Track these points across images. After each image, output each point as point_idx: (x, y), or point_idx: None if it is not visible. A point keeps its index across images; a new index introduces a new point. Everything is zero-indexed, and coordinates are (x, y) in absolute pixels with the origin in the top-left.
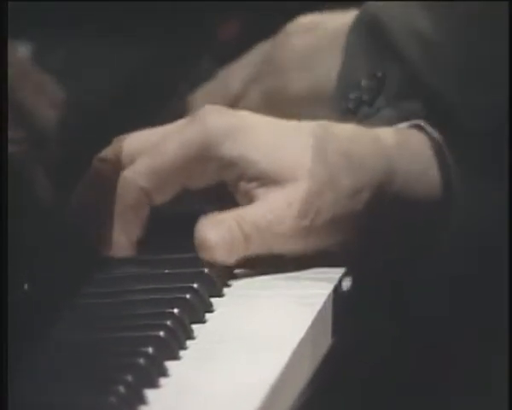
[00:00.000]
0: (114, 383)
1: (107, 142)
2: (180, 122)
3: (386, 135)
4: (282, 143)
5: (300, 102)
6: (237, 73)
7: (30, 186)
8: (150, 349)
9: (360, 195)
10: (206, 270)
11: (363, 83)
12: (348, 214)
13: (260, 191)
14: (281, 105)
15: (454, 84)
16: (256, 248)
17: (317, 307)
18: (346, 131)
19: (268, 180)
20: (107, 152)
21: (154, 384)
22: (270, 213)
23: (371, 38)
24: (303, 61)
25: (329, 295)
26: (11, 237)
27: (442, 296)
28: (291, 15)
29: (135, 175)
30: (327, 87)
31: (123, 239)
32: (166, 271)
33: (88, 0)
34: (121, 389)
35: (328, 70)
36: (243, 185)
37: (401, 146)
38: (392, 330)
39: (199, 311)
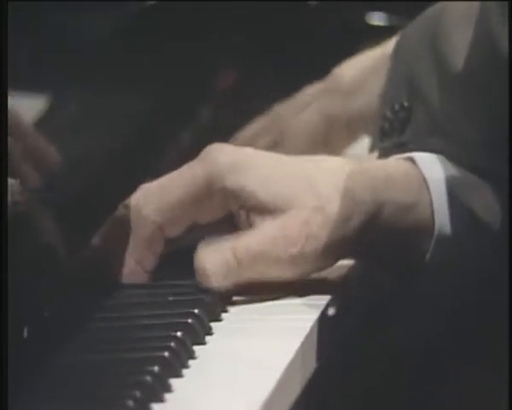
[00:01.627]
0: (124, 398)
1: (111, 189)
2: (191, 162)
3: (376, 168)
4: (278, 176)
5: (358, 122)
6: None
7: (36, 232)
8: (156, 368)
9: (348, 223)
10: (206, 297)
11: (394, 109)
12: (338, 242)
13: (258, 220)
14: (339, 126)
15: (471, 124)
16: (249, 274)
17: (305, 331)
18: (336, 164)
19: (264, 210)
20: (131, 199)
21: (159, 399)
22: (263, 240)
23: (400, 68)
24: (360, 84)
25: (316, 321)
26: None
27: (427, 320)
28: (285, 65)
29: (149, 211)
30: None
31: (139, 269)
32: (170, 298)
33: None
34: (130, 403)
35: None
36: (244, 215)
37: (389, 179)
38: (376, 353)
39: (200, 334)
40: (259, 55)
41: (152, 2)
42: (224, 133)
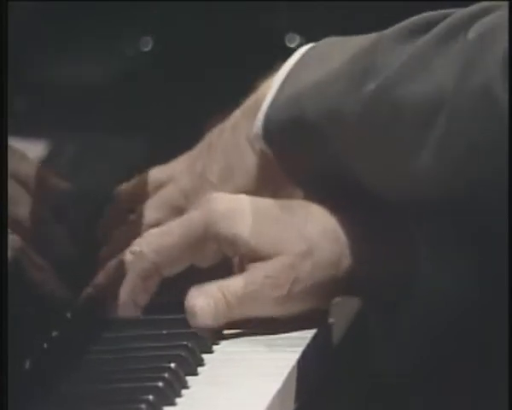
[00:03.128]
0: None
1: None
2: (191, 210)
3: None
4: (269, 223)
5: None
6: None
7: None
8: (151, 397)
9: (337, 266)
10: (198, 330)
11: None
12: (326, 284)
13: (249, 265)
14: None
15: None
16: (237, 315)
17: (288, 368)
18: (323, 209)
19: (256, 256)
20: (134, 243)
21: None
22: (251, 284)
23: None
24: None
25: (299, 357)
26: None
27: (413, 347)
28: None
29: (147, 250)
30: None
31: (131, 304)
32: (164, 331)
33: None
34: None
35: None
36: (238, 260)
37: None
38: (358, 389)
39: (192, 365)
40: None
41: (148, 49)
42: None
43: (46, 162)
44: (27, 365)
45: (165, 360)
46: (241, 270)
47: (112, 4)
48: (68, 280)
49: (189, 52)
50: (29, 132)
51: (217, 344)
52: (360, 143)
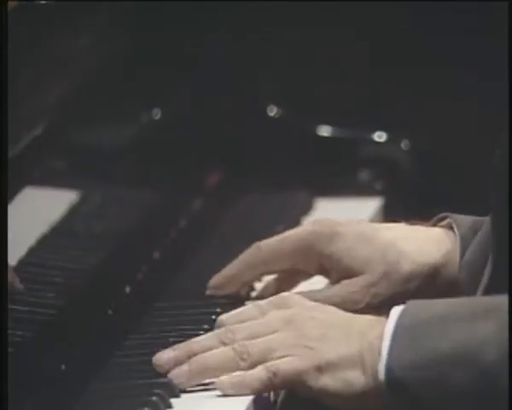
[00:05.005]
0: None
1: (124, 258)
2: (306, 224)
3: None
4: (361, 245)
5: None
6: None
7: None
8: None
9: (408, 285)
10: (168, 380)
11: None
12: (400, 296)
13: (341, 279)
14: None
15: None
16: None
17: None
18: (403, 230)
19: (347, 273)
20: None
21: None
22: (336, 296)
23: None
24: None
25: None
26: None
27: None
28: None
29: (262, 244)
30: None
31: (235, 281)
32: (140, 381)
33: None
34: None
35: None
36: (333, 275)
37: (442, 243)
38: None
39: (162, 408)
40: (239, 160)
41: (158, 117)
42: (212, 220)
43: (76, 207)
44: (63, 367)
45: (141, 405)
46: (335, 281)
47: (132, 84)
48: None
49: (190, 120)
50: (66, 184)
51: (184, 392)
52: None
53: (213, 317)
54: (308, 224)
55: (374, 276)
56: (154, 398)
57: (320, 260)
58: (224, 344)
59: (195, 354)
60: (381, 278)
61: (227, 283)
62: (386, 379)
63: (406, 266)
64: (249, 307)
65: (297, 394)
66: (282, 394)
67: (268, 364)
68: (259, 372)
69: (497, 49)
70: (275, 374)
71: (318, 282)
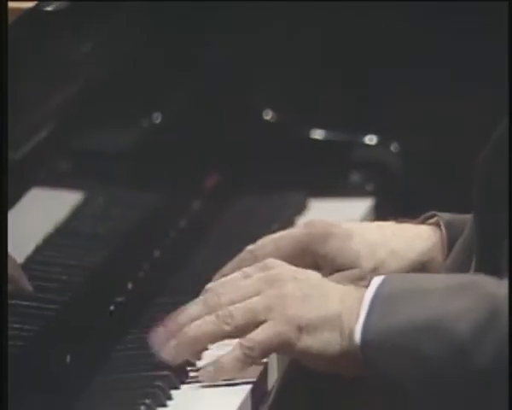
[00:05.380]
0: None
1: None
2: (300, 225)
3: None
4: (353, 243)
5: None
6: None
7: None
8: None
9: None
10: (169, 373)
11: None
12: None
13: (333, 273)
14: None
15: None
16: None
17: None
18: (392, 228)
19: (339, 269)
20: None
21: None
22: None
23: None
24: None
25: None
26: None
27: None
28: (261, 170)
29: (257, 247)
30: None
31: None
32: (144, 373)
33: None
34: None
35: None
36: (327, 271)
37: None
38: None
39: (162, 399)
40: (237, 163)
41: (159, 121)
42: (210, 220)
43: (80, 207)
44: (68, 359)
45: (142, 397)
46: (327, 275)
47: (133, 89)
48: None
49: (189, 124)
50: (70, 186)
51: (184, 383)
52: None
53: None
54: (302, 225)
55: (363, 271)
56: (155, 390)
57: (314, 258)
58: (210, 309)
59: (183, 326)
60: (369, 273)
61: None
62: (361, 341)
63: (395, 263)
64: (235, 273)
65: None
66: (277, 383)
67: (242, 340)
68: (234, 352)
69: (495, 49)
70: (251, 348)
71: None
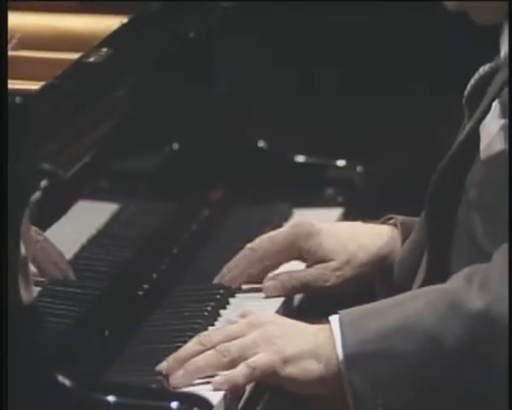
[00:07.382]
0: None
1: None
2: (289, 225)
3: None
4: (331, 240)
5: None
6: None
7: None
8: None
9: (366, 267)
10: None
11: None
12: (357, 277)
13: (315, 264)
14: None
15: None
16: (297, 292)
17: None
18: (360, 229)
19: (320, 261)
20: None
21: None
22: (309, 275)
23: None
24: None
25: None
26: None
27: None
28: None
29: (256, 245)
30: None
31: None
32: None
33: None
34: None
35: None
36: (309, 262)
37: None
38: None
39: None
40: (237, 180)
41: (176, 148)
42: (216, 225)
43: (116, 215)
44: (106, 333)
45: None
46: (310, 266)
47: (156, 124)
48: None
49: (200, 150)
50: (108, 198)
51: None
52: None
53: (217, 296)
54: (289, 225)
55: (339, 262)
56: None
57: (300, 252)
58: (204, 346)
59: (185, 360)
60: (344, 264)
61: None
62: (343, 357)
63: (362, 255)
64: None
65: (269, 384)
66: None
67: (248, 361)
68: (243, 369)
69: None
70: (254, 369)
71: (297, 265)
